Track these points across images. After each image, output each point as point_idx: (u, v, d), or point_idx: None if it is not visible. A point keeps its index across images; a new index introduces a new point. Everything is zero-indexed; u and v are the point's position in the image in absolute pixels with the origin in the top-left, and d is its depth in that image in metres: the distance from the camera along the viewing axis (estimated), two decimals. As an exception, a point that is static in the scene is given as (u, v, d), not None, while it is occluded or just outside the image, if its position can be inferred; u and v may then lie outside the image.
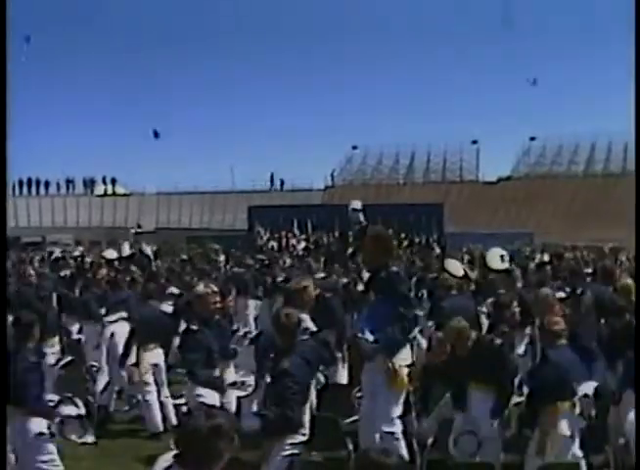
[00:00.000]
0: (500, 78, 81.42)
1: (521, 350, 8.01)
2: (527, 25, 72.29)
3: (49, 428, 5.48)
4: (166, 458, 2.89)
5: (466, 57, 79.25)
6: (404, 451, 5.70)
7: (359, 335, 5.83)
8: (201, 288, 6.73)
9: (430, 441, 6.19)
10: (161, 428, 7.74)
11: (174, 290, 10.48)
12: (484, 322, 8.65)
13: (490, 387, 5.75)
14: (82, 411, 5.73)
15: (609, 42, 74.88)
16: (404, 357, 5.72)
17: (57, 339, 9.02)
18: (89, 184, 55.74)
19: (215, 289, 6.77)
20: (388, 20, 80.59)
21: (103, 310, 9.45)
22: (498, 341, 5.79)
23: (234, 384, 6.66)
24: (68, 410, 5.67)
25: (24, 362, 5.64)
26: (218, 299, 6.71)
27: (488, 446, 5.63)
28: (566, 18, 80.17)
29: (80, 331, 9.90)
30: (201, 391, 6.24)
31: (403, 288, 5.90)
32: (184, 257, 19.67)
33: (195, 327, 6.40)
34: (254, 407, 6.10)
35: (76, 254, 22.08)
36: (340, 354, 7.60)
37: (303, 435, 5.24)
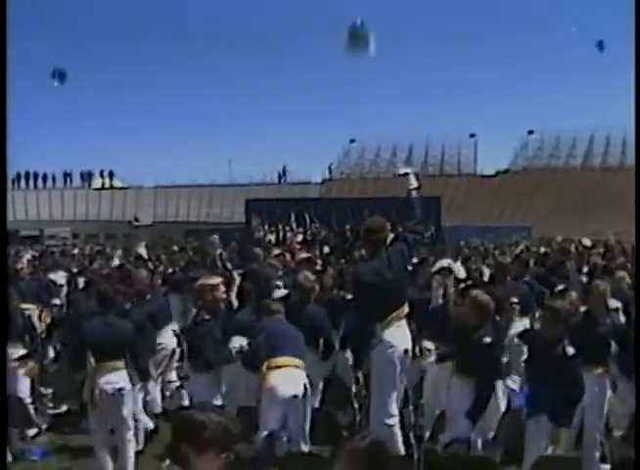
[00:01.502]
0: (499, 72, 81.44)
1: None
2: (526, 20, 72.30)
3: None
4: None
5: (465, 52, 79.22)
6: (400, 445, 5.69)
7: None
8: (207, 279, 6.78)
9: (426, 434, 6.19)
10: None
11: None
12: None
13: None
14: None
15: (608, 36, 74.74)
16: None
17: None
18: (87, 177, 55.62)
19: (221, 279, 6.86)
20: (387, 17, 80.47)
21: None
22: (488, 339, 5.70)
23: None
24: None
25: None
26: (224, 289, 6.79)
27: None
28: (564, 12, 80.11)
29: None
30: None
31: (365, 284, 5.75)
32: (175, 248, 19.74)
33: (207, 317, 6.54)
34: None
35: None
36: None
37: None
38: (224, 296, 6.78)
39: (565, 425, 5.34)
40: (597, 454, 5.85)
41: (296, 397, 5.83)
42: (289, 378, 5.89)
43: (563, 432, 5.31)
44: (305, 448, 5.92)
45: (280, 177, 54.68)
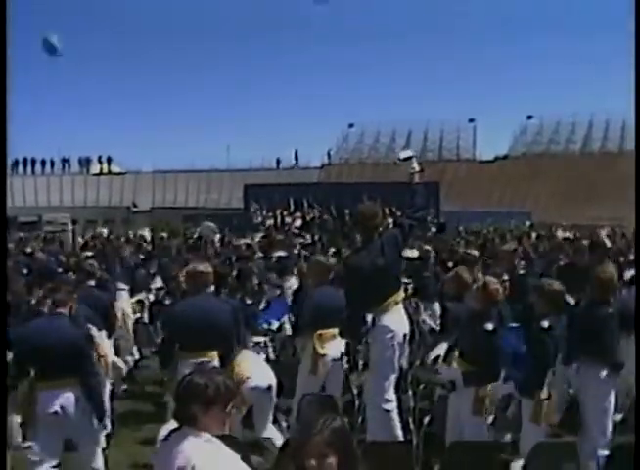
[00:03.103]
0: (498, 57, 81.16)
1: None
2: (526, 7, 71.95)
3: None
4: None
5: (464, 36, 78.86)
6: (398, 430, 5.67)
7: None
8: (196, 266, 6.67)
9: (426, 419, 6.16)
10: None
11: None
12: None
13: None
14: None
15: (608, 19, 74.51)
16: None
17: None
18: (85, 163, 55.45)
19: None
20: (387, 4, 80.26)
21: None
22: (490, 326, 5.71)
23: None
24: None
25: None
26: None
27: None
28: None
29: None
30: None
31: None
32: (164, 234, 19.77)
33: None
34: None
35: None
36: None
37: None
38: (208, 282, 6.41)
39: (529, 395, 5.37)
40: (597, 441, 5.81)
41: (269, 388, 5.88)
42: (261, 369, 5.96)
43: (538, 406, 5.32)
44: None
45: (278, 163, 54.59)
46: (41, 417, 5.20)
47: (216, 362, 5.75)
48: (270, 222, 26.03)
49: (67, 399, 5.22)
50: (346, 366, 6.97)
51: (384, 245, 5.65)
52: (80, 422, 5.26)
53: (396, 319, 5.70)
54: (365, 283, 5.58)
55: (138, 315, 10.33)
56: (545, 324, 5.43)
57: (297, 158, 54.42)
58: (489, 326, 5.55)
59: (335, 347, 6.56)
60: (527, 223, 27.25)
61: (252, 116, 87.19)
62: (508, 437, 6.16)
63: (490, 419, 5.68)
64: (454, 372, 5.70)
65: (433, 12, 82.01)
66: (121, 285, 10.03)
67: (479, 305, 5.72)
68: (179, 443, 2.89)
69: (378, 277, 5.58)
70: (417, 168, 6.12)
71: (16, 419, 5.92)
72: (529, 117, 54.02)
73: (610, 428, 5.82)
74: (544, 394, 5.33)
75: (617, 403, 6.33)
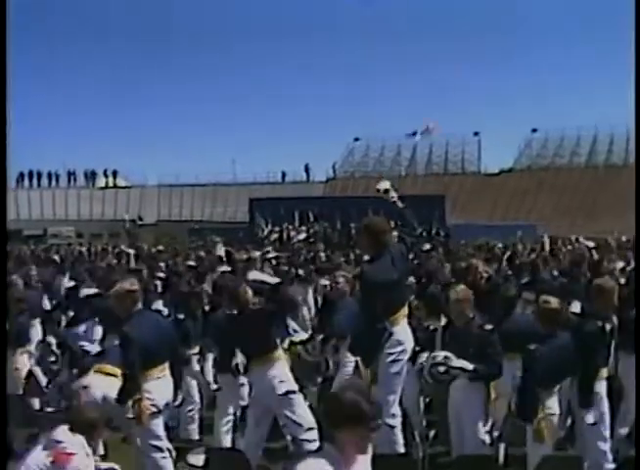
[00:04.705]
0: (501, 70, 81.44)
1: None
2: (530, 16, 72.23)
3: None
4: None
5: (468, 49, 79.18)
6: (401, 446, 5.65)
7: None
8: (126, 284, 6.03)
9: (432, 434, 6.17)
10: None
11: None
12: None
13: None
14: None
15: (611, 33, 74.68)
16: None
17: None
18: (90, 176, 55.56)
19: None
20: (392, 15, 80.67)
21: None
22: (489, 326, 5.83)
23: None
24: None
25: None
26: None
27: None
28: (568, 9, 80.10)
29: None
30: None
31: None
32: (160, 247, 19.70)
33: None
34: None
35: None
36: None
37: None
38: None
39: (526, 419, 5.38)
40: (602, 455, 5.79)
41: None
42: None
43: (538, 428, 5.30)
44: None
45: (283, 176, 54.64)
46: None
47: (169, 374, 5.79)
48: (275, 236, 26.07)
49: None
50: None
51: (394, 259, 5.69)
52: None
53: (405, 332, 5.73)
54: (380, 295, 5.59)
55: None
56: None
57: (307, 172, 54.39)
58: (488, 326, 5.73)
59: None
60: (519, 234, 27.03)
61: (257, 129, 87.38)
62: (513, 450, 6.15)
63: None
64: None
65: (437, 27, 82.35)
66: None
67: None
68: (314, 460, 2.84)
69: (392, 290, 5.62)
70: (395, 196, 6.28)
71: None
72: (534, 131, 54.07)
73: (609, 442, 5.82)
74: (543, 417, 5.31)
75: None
